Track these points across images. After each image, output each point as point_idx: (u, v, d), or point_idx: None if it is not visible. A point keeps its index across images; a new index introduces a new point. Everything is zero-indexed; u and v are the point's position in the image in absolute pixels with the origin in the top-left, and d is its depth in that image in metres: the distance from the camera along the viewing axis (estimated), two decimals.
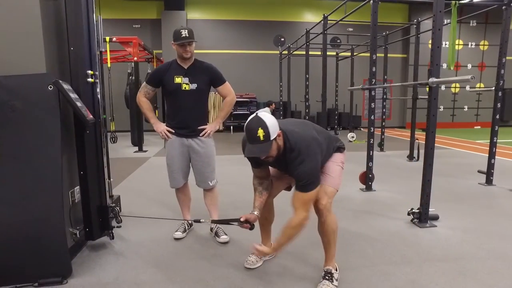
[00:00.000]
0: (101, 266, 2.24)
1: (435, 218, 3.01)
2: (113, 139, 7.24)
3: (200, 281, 2.04)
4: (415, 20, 5.53)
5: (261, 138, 1.60)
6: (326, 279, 1.91)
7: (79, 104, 2.07)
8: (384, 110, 6.66)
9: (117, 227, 2.56)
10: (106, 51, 6.62)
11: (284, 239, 1.79)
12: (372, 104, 3.79)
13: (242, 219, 1.92)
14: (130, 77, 7.59)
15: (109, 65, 6.60)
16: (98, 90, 2.36)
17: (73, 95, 2.06)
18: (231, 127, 10.63)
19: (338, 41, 9.04)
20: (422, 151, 6.07)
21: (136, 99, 2.66)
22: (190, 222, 2.81)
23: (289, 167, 1.77)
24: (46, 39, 2.07)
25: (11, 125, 1.99)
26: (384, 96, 6.69)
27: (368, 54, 3.77)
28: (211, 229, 2.72)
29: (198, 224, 2.75)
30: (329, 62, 9.51)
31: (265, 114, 1.67)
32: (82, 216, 2.36)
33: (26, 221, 1.97)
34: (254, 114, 1.68)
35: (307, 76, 6.31)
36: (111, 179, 3.25)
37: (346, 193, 3.87)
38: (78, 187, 2.35)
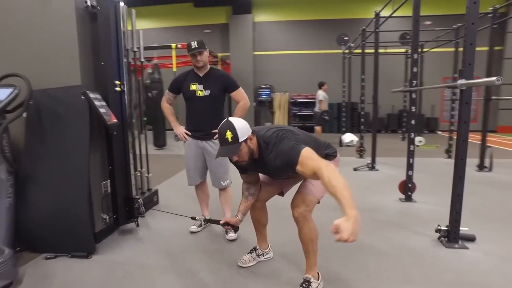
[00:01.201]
0: (121, 248, 2.61)
1: (471, 239, 2.66)
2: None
3: (192, 272, 2.24)
4: None
5: (229, 139, 1.69)
6: (303, 287, 1.91)
7: (103, 110, 2.44)
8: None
9: (141, 217, 2.92)
10: (171, 56, 7.34)
11: (343, 194, 1.50)
12: (413, 108, 3.49)
13: (221, 222, 2.04)
14: None
15: (174, 69, 7.29)
16: (125, 97, 2.74)
17: (99, 103, 2.45)
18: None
19: (409, 37, 8.30)
20: (496, 160, 5.30)
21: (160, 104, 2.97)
22: (208, 217, 3.02)
23: (269, 166, 1.80)
24: (82, 56, 2.50)
25: (55, 128, 2.48)
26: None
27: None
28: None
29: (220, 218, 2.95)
30: (397, 60, 8.83)
31: (236, 119, 1.77)
32: (112, 205, 2.77)
33: (63, 205, 2.42)
34: (226, 119, 1.78)
35: (363, 77, 6.01)
36: (150, 174, 3.70)
37: (381, 202, 3.65)
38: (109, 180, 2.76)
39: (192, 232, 2.90)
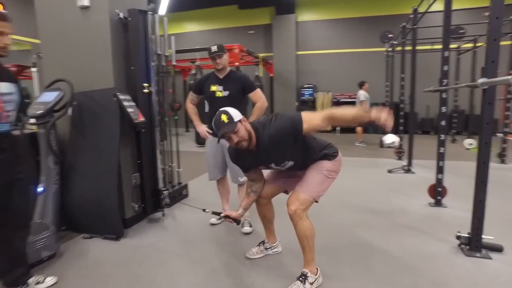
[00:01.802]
0: (147, 234, 2.89)
1: (497, 249, 2.49)
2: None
3: (202, 259, 2.43)
4: None
5: (226, 121, 1.83)
6: (299, 281, 1.99)
7: (131, 110, 2.74)
8: None
9: (167, 207, 3.20)
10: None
11: (356, 111, 1.80)
12: (443, 108, 3.32)
13: (222, 215, 2.19)
14: None
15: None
16: (153, 98, 3.02)
17: (128, 103, 2.75)
18: (338, 128, 10.43)
19: (462, 31, 7.68)
20: None
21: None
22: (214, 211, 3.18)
23: (270, 146, 1.88)
24: (115, 62, 2.83)
25: (93, 125, 2.83)
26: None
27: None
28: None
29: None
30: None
31: (227, 107, 1.93)
32: (140, 195, 3.07)
33: (98, 193, 2.77)
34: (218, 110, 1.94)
35: (403, 75, 5.75)
36: (181, 169, 3.99)
37: (407, 205, 3.52)
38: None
39: (212, 224, 3.10)
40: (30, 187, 2.18)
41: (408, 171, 4.96)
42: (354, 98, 9.84)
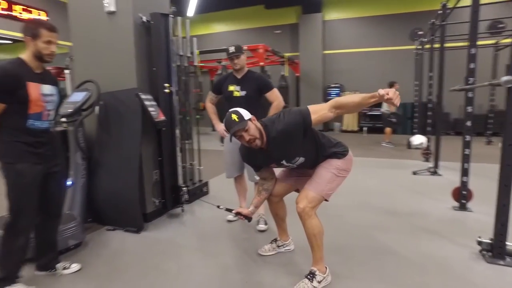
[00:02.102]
0: (166, 228, 3.02)
1: None
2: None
3: (215, 254, 2.50)
4: None
5: (236, 120, 1.89)
6: (307, 278, 2.01)
7: (152, 109, 2.87)
8: None
9: (186, 203, 3.31)
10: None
11: (363, 96, 1.74)
12: (469, 108, 3.19)
13: (234, 212, 2.24)
14: None
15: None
16: (174, 98, 3.14)
17: (149, 103, 2.88)
18: (365, 128, 10.22)
19: (501, 25, 7.23)
20: None
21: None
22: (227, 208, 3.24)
23: (280, 142, 1.91)
24: (138, 63, 2.97)
25: (117, 123, 3.00)
26: None
27: None
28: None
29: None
30: (484, 53, 7.69)
31: (237, 108, 1.98)
32: (160, 191, 3.21)
33: (120, 188, 2.93)
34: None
35: (431, 74, 5.53)
36: (202, 167, 4.10)
37: (430, 208, 3.41)
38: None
39: (229, 221, 3.18)
40: (63, 180, 2.36)
41: (434, 173, 4.77)
42: None
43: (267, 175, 2.24)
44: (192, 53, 3.75)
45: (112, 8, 2.93)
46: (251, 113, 2.89)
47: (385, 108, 7.62)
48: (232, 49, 2.87)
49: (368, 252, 2.49)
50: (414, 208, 3.46)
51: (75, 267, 2.25)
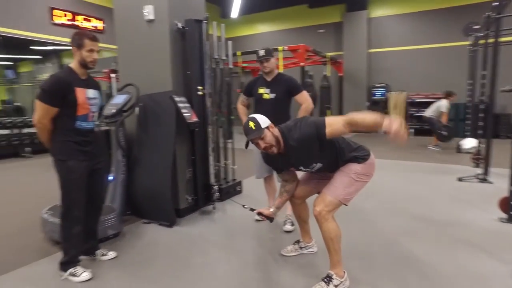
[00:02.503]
0: (197, 224, 3.17)
1: None
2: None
3: (239, 252, 2.59)
4: None
5: (253, 127, 1.95)
6: (324, 281, 2.01)
7: (185, 110, 3.04)
8: None
9: (217, 201, 3.45)
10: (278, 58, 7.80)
11: (375, 119, 1.77)
12: None
13: (256, 211, 2.29)
14: (305, 80, 8.41)
15: (281, 70, 7.73)
16: (207, 99, 3.29)
17: (182, 105, 3.05)
18: (412, 130, 9.67)
19: None
20: None
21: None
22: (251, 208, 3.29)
23: (296, 149, 1.94)
24: (173, 67, 3.16)
25: (154, 124, 3.21)
26: None
27: None
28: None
29: (283, 211, 3.19)
30: None
31: (256, 114, 2.02)
32: (193, 189, 3.37)
33: (155, 184, 3.13)
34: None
35: (484, 72, 5.09)
36: (235, 166, 4.23)
37: (473, 219, 3.16)
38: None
39: (257, 220, 3.23)
40: (106, 175, 2.61)
41: (483, 180, 4.41)
42: (431, 98, 9.03)
43: (288, 178, 2.27)
44: (227, 55, 3.88)
45: (151, 17, 3.15)
46: (280, 116, 2.96)
47: (431, 112, 7.18)
48: (262, 52, 2.93)
49: (395, 260, 2.40)
50: (455, 217, 3.24)
51: (112, 254, 2.48)
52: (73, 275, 2.16)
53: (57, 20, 7.94)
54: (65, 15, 8.06)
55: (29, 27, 7.21)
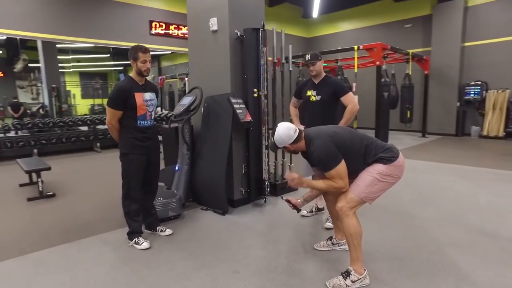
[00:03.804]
0: (247, 214, 3.49)
1: None
2: None
3: (276, 242, 2.80)
4: None
5: (273, 140, 2.18)
6: (342, 276, 2.10)
7: (240, 111, 3.37)
8: None
9: (268, 195, 3.71)
10: (353, 58, 7.64)
11: (315, 184, 2.14)
12: None
13: (285, 199, 2.46)
14: (382, 79, 8.03)
15: (355, 70, 7.59)
16: (262, 100, 3.58)
17: (238, 105, 3.39)
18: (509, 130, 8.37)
19: None
20: None
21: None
22: (321, 207, 3.42)
23: (310, 158, 2.16)
24: (232, 72, 3.53)
25: (215, 122, 3.64)
26: None
27: None
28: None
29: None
30: None
31: (279, 129, 2.13)
32: (247, 182, 3.70)
33: (212, 176, 3.55)
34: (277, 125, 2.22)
35: None
36: (292, 164, 4.42)
37: None
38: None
39: (303, 216, 3.40)
40: (159, 167, 3.07)
41: None
42: None
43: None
44: (287, 58, 4.10)
45: (215, 28, 3.57)
46: (326, 117, 3.08)
47: None
48: (308, 57, 3.08)
49: (428, 268, 2.31)
50: None
51: (168, 231, 2.96)
52: (136, 243, 2.69)
53: (154, 31, 9.22)
54: (160, 26, 9.31)
55: (131, 39, 8.55)
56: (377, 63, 7.37)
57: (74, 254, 2.64)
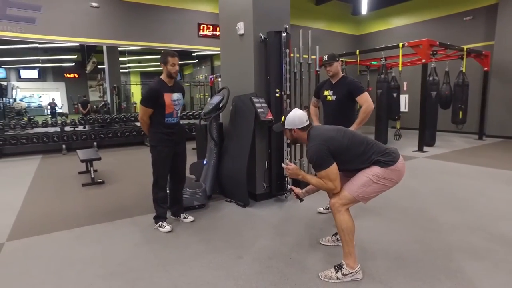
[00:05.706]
0: (266, 208, 3.68)
1: None
2: (397, 136, 7.90)
3: (284, 235, 2.95)
4: None
5: (282, 121, 2.34)
6: (334, 268, 2.21)
7: (261, 110, 3.57)
8: None
9: (287, 191, 3.86)
10: (398, 56, 7.34)
11: (309, 179, 2.23)
12: None
13: (289, 187, 2.57)
14: (430, 78, 7.60)
15: (400, 69, 7.29)
16: (284, 100, 3.73)
17: (259, 105, 3.59)
18: None
19: None
20: None
21: None
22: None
23: (307, 154, 2.26)
24: (256, 73, 3.73)
25: (240, 120, 3.88)
26: None
27: None
28: None
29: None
30: None
31: (294, 113, 2.27)
32: (269, 178, 3.89)
33: (235, 170, 3.80)
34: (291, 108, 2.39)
35: None
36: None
37: None
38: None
39: (318, 212, 3.49)
40: (185, 158, 3.37)
41: None
42: None
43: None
44: (312, 58, 4.19)
45: (242, 31, 3.80)
46: (342, 116, 3.16)
47: None
48: (325, 57, 3.17)
49: (429, 271, 2.29)
50: None
51: (190, 218, 3.28)
52: (160, 226, 3.05)
53: (202, 33, 9.78)
54: (208, 28, 9.84)
55: (182, 41, 9.20)
56: (423, 60, 6.99)
57: (108, 231, 3.09)
